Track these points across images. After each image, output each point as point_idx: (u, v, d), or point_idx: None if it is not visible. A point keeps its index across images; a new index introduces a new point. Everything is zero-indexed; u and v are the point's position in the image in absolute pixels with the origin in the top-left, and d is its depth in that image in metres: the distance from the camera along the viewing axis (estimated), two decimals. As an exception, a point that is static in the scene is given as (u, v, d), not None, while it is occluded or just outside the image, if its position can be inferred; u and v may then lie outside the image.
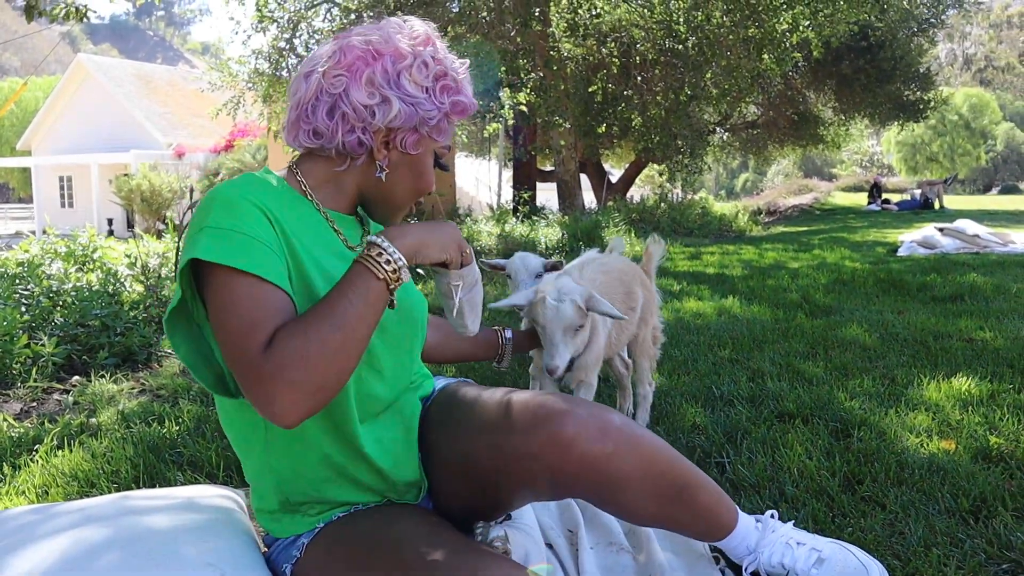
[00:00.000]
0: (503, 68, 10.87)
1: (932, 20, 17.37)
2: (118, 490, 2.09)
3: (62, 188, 25.98)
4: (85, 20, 6.87)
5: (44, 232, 6.12)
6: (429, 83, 1.30)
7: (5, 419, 2.84)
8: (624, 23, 12.90)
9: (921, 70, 17.85)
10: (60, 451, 2.45)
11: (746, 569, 1.50)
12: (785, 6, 11.02)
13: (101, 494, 2.05)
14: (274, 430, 1.33)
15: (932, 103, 18.20)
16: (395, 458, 1.41)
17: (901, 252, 7.95)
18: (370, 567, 1.22)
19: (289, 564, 1.35)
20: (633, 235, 10.25)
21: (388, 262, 1.17)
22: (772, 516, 1.55)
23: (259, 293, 1.14)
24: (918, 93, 17.91)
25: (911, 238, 8.52)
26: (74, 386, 3.38)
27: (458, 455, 1.40)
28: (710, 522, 1.43)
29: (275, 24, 12.17)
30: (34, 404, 3.16)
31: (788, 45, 11.41)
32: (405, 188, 1.38)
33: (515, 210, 12.99)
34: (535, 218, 11.33)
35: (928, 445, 2.21)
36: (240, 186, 1.24)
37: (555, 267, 2.52)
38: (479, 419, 1.38)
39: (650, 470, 1.32)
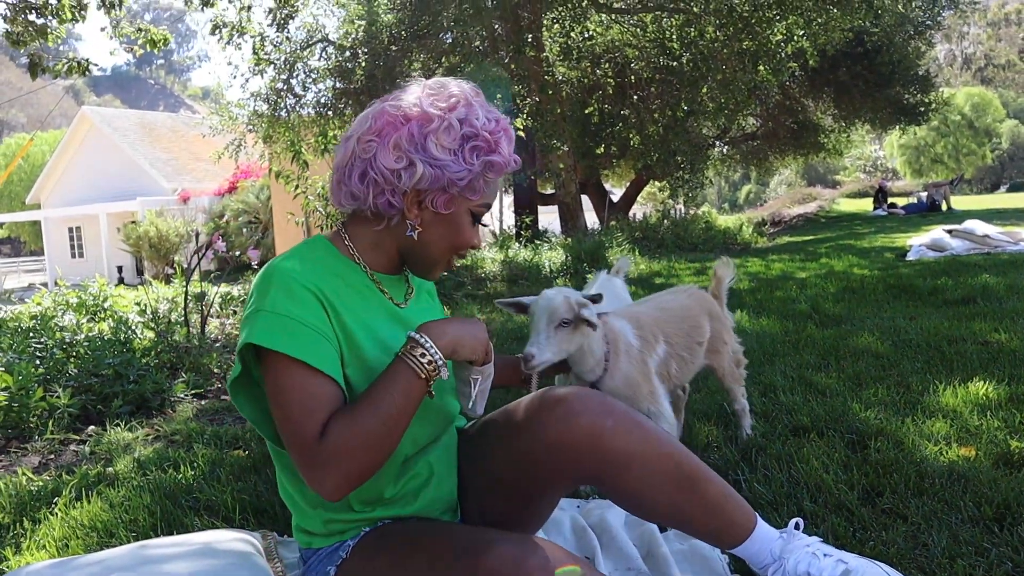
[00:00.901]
0: (499, 95, 10.95)
1: (928, 22, 17.37)
2: (136, 539, 2.10)
3: (72, 239, 26.25)
4: (87, 73, 6.99)
5: (56, 284, 6.18)
6: (456, 145, 1.34)
7: (24, 473, 2.85)
8: (617, 43, 13.01)
9: (920, 72, 17.84)
10: (78, 502, 2.45)
11: None
12: (778, 17, 11.07)
13: (120, 544, 2.05)
14: None
15: (933, 105, 18.16)
16: (437, 482, 1.47)
17: (910, 256, 7.92)
18: (416, 555, 1.29)
19: (334, 566, 1.40)
20: (637, 253, 10.25)
21: (430, 362, 1.27)
22: (797, 526, 1.54)
23: (312, 382, 1.26)
24: (918, 96, 17.87)
25: (919, 242, 8.48)
26: (90, 436, 3.39)
27: (483, 470, 1.47)
28: (723, 520, 1.42)
29: (272, 66, 12.33)
30: (51, 456, 3.17)
31: (783, 55, 11.44)
32: (440, 246, 1.43)
33: (518, 235, 13.03)
34: (538, 242, 11.36)
35: (947, 453, 2.19)
36: (296, 267, 1.33)
37: (594, 300, 2.49)
38: (499, 429, 1.46)
39: (654, 451, 1.36)
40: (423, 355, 1.27)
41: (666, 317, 2.26)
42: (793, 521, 1.54)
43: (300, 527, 1.48)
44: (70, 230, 26.23)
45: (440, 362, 1.28)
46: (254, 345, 1.28)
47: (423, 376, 1.27)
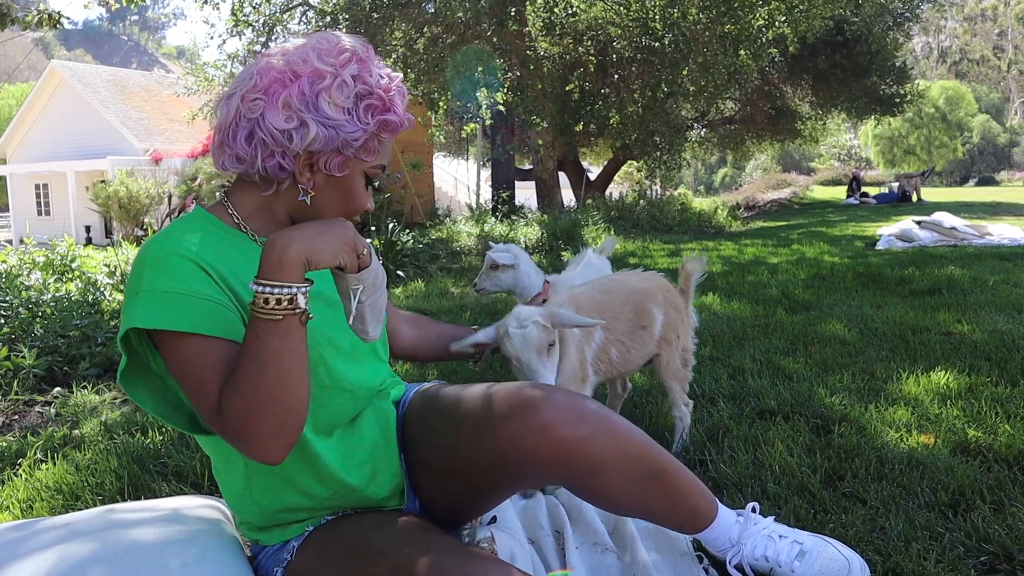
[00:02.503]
0: (480, 67, 10.87)
1: (907, 14, 17.50)
2: (103, 503, 2.09)
3: (39, 196, 25.68)
4: (59, 26, 6.81)
5: (22, 241, 6.07)
6: (350, 104, 1.26)
7: (-14, 433, 2.82)
8: (600, 21, 12.93)
9: (897, 64, 18.00)
10: (44, 464, 2.43)
11: (729, 562, 1.51)
12: (761, 2, 11.08)
13: (86, 507, 2.04)
14: (252, 464, 1.35)
15: (908, 97, 18.36)
16: (373, 465, 1.42)
17: (879, 246, 8.02)
18: (360, 570, 1.23)
19: (280, 567, 1.37)
20: (612, 233, 10.28)
21: (279, 301, 1.10)
22: (753, 510, 1.57)
23: (204, 350, 1.16)
24: (894, 87, 18.05)
25: (889, 232, 8.60)
26: (56, 398, 3.35)
27: (441, 452, 1.42)
28: (689, 511, 1.44)
29: (250, 28, 12.12)
30: (16, 417, 3.14)
31: (764, 41, 11.48)
32: (334, 211, 1.33)
33: (494, 210, 13.01)
34: (514, 217, 11.35)
35: (908, 440, 2.24)
36: (169, 240, 1.22)
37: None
38: (460, 413, 1.39)
39: (626, 454, 1.33)
40: (267, 301, 1.09)
41: (607, 300, 2.15)
42: (750, 505, 1.58)
43: (244, 522, 1.44)
44: (37, 187, 25.65)
45: (288, 293, 1.10)
46: (145, 331, 1.20)
47: (280, 318, 1.10)
